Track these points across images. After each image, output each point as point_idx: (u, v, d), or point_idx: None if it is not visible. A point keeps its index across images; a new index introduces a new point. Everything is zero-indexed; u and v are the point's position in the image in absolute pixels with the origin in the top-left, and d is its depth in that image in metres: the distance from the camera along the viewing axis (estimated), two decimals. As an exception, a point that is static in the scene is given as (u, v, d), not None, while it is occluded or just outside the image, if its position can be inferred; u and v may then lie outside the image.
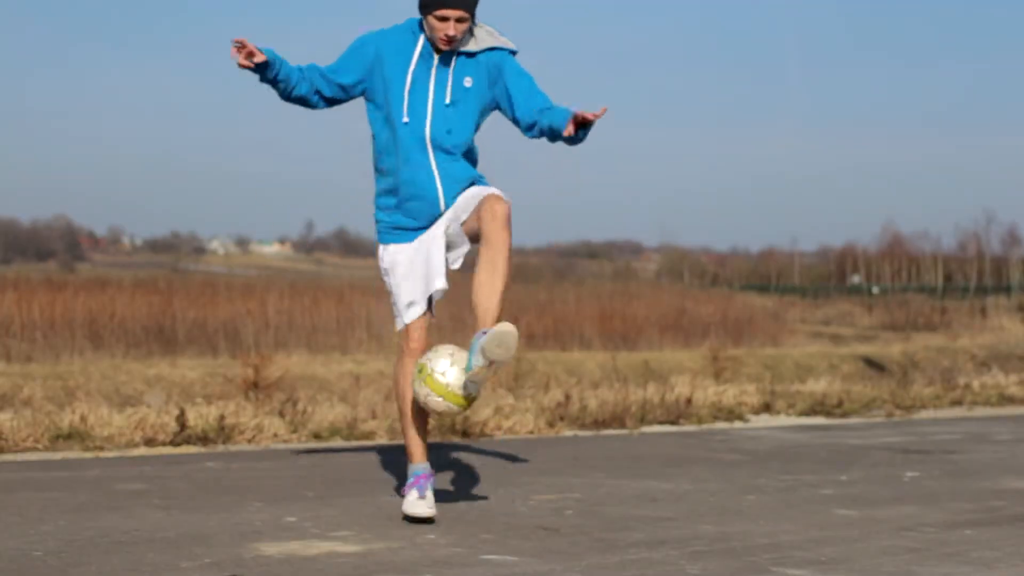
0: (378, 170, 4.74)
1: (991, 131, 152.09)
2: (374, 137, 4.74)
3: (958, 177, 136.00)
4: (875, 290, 62.42)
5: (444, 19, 4.51)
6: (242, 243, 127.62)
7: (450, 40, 4.54)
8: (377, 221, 4.78)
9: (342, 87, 4.68)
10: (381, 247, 4.78)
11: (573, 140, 4.55)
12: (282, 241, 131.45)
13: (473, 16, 4.57)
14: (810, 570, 3.89)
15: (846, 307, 42.32)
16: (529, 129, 4.66)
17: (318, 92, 4.67)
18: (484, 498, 5.19)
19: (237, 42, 4.47)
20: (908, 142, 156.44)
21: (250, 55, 4.48)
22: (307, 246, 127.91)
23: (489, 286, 4.46)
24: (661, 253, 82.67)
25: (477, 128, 4.74)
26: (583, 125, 4.51)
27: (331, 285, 25.50)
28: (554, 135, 4.58)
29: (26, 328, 17.97)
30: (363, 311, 21.49)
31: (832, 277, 74.88)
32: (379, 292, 25.04)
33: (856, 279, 72.52)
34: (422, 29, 4.64)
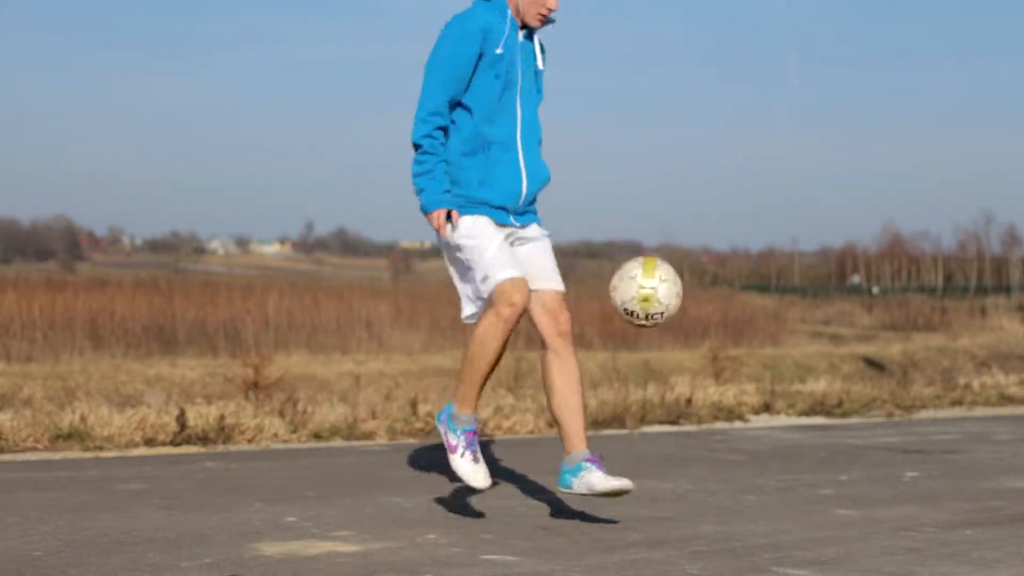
0: (465, 152, 4.52)
1: (991, 131, 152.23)
2: (467, 113, 4.52)
3: (958, 177, 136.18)
4: (875, 290, 62.46)
5: None
6: (242, 243, 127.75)
7: (547, 14, 4.50)
8: (456, 196, 4.53)
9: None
10: (467, 217, 4.49)
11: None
12: (282, 241, 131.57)
13: None
14: (810, 570, 3.89)
15: (846, 307, 42.35)
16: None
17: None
18: (484, 498, 5.18)
19: (449, 221, 4.44)
20: (908, 142, 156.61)
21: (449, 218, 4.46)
22: (307, 246, 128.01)
23: (574, 408, 4.52)
24: (661, 253, 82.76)
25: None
26: None
27: (331, 285, 25.55)
28: None
29: (26, 328, 17.98)
30: (363, 311, 21.51)
31: (832, 277, 74.96)
32: (379, 292, 25.02)
33: (856, 279, 72.57)
34: (506, 7, 4.53)
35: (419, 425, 7.56)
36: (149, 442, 6.80)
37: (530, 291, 4.52)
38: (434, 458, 6.45)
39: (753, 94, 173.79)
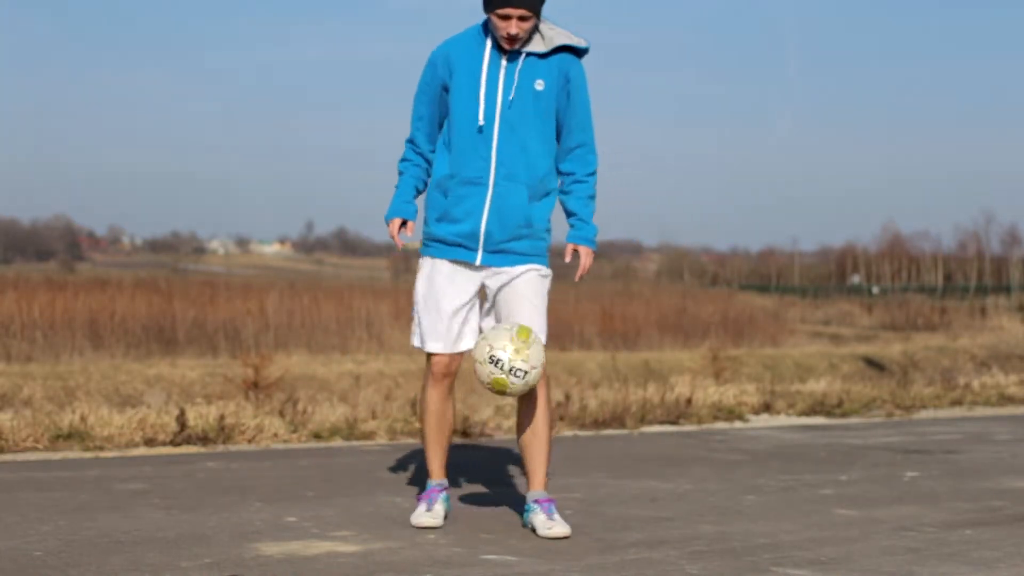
0: (433, 185, 4.54)
1: (991, 131, 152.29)
2: (441, 145, 4.54)
3: (958, 177, 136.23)
4: (875, 290, 62.43)
5: (506, 17, 4.35)
6: (242, 243, 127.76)
7: (512, 39, 4.39)
8: (424, 233, 4.61)
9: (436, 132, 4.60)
10: (424, 258, 4.57)
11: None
12: (282, 241, 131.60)
13: (538, 14, 4.40)
14: (810, 570, 3.89)
15: (846, 307, 42.31)
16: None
17: (429, 166, 4.60)
18: (484, 498, 5.19)
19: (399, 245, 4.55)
20: (908, 142, 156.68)
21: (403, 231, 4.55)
22: (307, 246, 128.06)
23: (534, 451, 4.54)
24: (661, 253, 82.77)
25: (553, 138, 4.53)
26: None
27: (331, 285, 25.53)
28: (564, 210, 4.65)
29: (26, 328, 17.97)
30: (363, 311, 21.51)
31: (832, 277, 74.90)
32: (379, 292, 25.05)
33: (856, 279, 72.52)
34: (487, 32, 4.49)
35: (419, 425, 7.54)
36: (149, 442, 6.80)
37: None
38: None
39: (753, 94, 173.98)
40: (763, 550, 4.18)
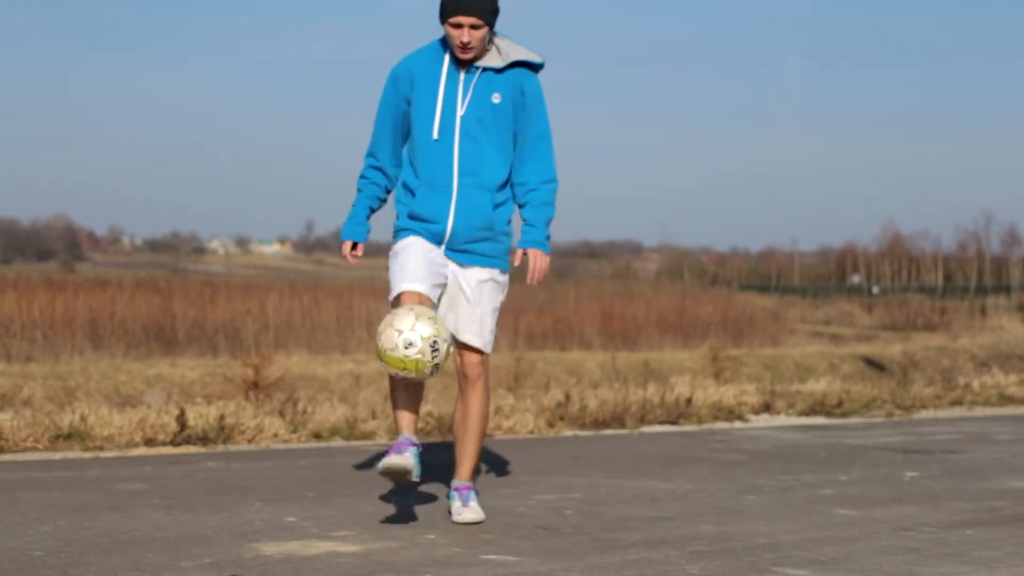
0: (403, 190, 4.73)
1: (991, 131, 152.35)
2: (407, 153, 4.73)
3: (958, 177, 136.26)
4: (875, 290, 62.41)
5: (458, 26, 4.48)
6: (242, 243, 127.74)
7: (465, 47, 4.50)
8: (395, 226, 4.77)
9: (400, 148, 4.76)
10: (397, 243, 4.70)
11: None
12: (282, 241, 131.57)
13: (490, 24, 4.52)
14: (810, 570, 3.89)
15: (846, 307, 42.32)
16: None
17: (389, 180, 4.76)
18: (483, 498, 5.18)
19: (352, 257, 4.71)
20: (908, 142, 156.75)
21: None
22: (307, 246, 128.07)
23: (463, 443, 4.74)
24: (661, 253, 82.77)
25: (510, 149, 4.65)
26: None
27: (331, 285, 25.52)
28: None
29: (26, 328, 17.98)
30: (363, 311, 21.51)
31: (832, 277, 74.88)
32: (379, 292, 25.09)
33: (856, 279, 72.51)
34: (445, 47, 4.64)
35: (419, 425, 7.55)
36: (149, 442, 6.80)
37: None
38: (434, 459, 6.45)
39: (753, 94, 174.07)
40: (763, 550, 4.18)
